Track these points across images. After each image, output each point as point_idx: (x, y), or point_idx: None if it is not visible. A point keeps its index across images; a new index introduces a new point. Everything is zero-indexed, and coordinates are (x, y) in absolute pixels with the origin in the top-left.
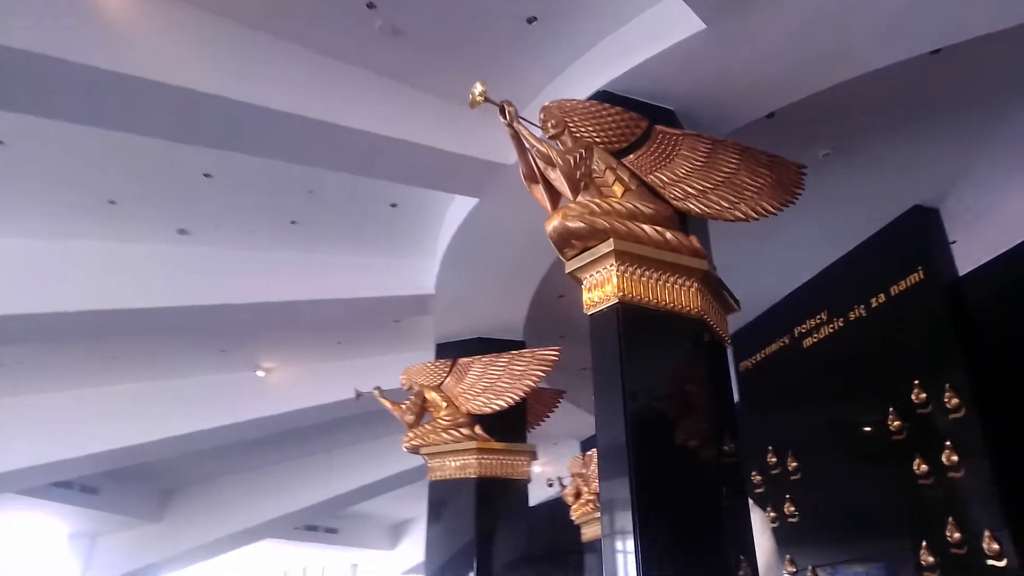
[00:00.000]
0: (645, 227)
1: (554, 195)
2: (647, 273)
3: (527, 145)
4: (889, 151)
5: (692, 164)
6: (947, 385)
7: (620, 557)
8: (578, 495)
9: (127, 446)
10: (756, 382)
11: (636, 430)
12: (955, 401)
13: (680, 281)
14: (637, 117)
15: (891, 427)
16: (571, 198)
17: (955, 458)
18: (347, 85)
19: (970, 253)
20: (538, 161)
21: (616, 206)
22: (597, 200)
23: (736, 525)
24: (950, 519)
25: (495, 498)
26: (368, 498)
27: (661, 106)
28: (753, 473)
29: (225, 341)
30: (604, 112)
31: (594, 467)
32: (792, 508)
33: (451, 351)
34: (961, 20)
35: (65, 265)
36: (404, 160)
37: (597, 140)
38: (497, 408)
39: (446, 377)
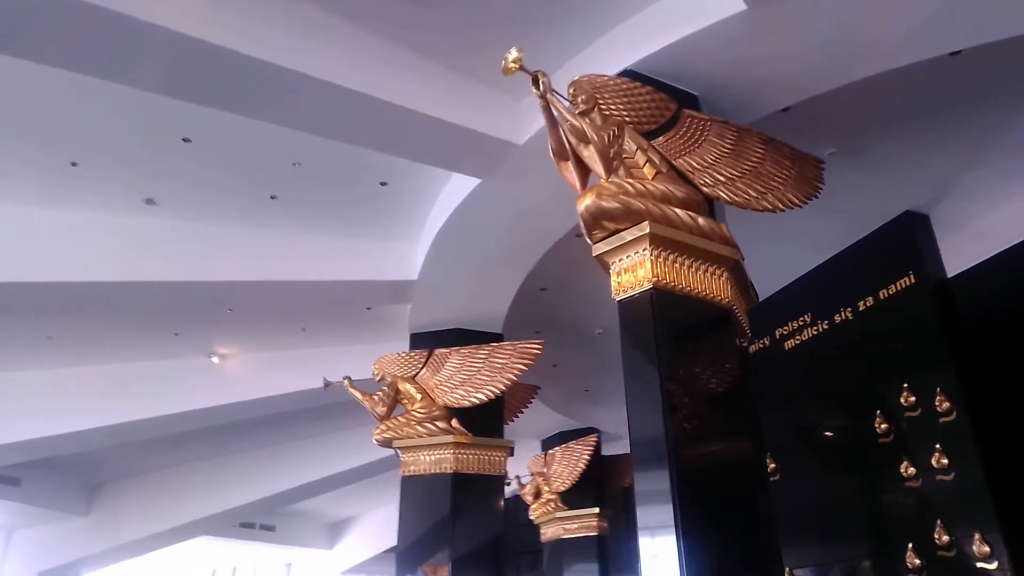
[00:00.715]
0: (679, 211)
1: (583, 174)
2: (680, 259)
3: (560, 119)
4: (891, 154)
5: (720, 151)
6: (938, 388)
7: (659, 550)
8: (538, 494)
9: (56, 435)
10: None
11: (674, 419)
12: (946, 404)
13: (711, 269)
14: (667, 99)
15: (878, 429)
16: (603, 177)
17: (945, 461)
18: (359, 49)
19: (954, 259)
20: (570, 137)
21: (651, 188)
22: (631, 181)
23: (767, 517)
24: (939, 521)
25: (471, 495)
26: (310, 496)
27: (686, 90)
28: None
29: (180, 323)
30: (635, 91)
31: (556, 466)
32: None
33: (426, 341)
34: (993, 20)
35: (10, 230)
36: (411, 132)
37: (627, 119)
38: (477, 401)
39: (421, 368)
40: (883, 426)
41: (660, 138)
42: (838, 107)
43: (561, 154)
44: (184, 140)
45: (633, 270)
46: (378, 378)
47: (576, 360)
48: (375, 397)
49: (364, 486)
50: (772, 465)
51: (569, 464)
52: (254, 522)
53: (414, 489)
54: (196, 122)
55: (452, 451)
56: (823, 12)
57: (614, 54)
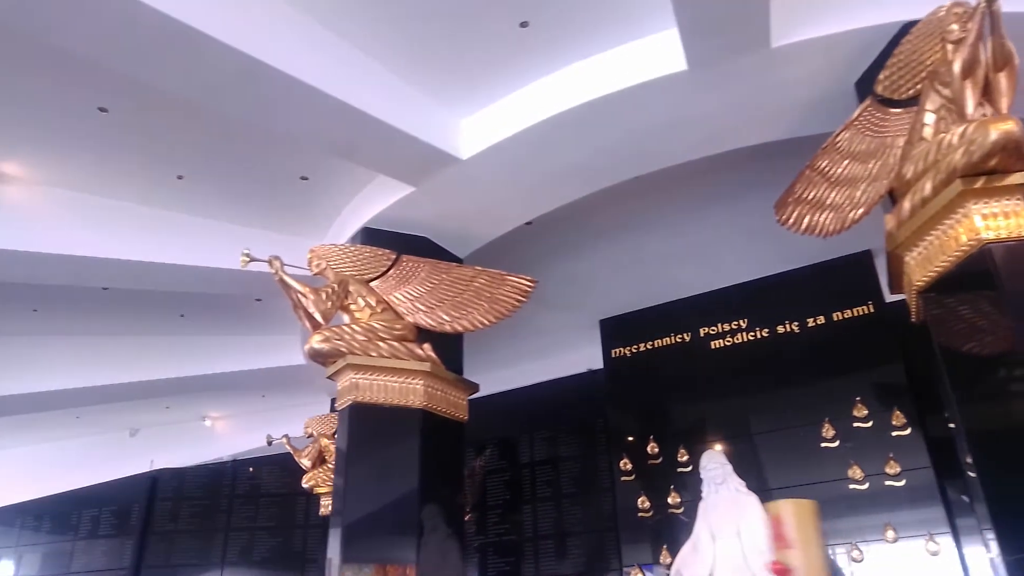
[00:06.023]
0: None
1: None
2: None
3: (993, 34)
4: None
5: None
6: (895, 406)
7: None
8: (321, 460)
9: None
10: (630, 371)
11: None
12: (902, 420)
13: None
14: None
15: (825, 435)
16: (1002, 111)
17: (896, 469)
18: None
19: None
20: (991, 58)
21: None
22: None
23: None
24: (886, 524)
25: (438, 440)
26: None
27: None
28: (623, 460)
29: None
30: None
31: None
32: (678, 499)
33: (384, 241)
34: None
35: None
36: None
37: None
38: (460, 329)
39: (385, 272)
40: (831, 432)
41: None
42: None
43: (968, 71)
44: None
45: (1007, 216)
46: (315, 271)
47: None
48: (323, 293)
49: None
50: (685, 456)
51: None
52: None
53: (363, 424)
54: None
55: (423, 382)
56: None
57: None
